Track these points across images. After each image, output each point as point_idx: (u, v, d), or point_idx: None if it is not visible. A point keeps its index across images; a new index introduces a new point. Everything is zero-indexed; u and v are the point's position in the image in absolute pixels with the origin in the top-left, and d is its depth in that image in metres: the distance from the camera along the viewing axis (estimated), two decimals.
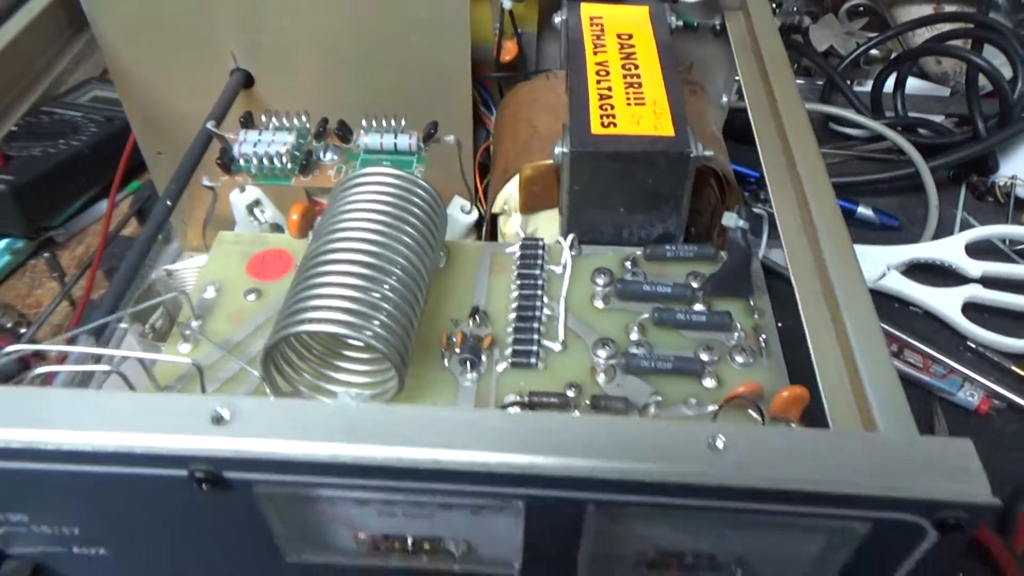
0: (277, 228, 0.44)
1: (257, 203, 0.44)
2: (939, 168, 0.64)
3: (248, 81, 0.48)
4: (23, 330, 0.56)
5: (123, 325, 0.40)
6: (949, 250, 0.58)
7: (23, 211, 0.60)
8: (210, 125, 0.41)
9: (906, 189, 0.67)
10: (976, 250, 0.58)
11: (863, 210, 0.64)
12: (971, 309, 0.56)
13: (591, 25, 0.46)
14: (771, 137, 0.40)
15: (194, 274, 0.42)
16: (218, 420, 0.22)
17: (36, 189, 0.60)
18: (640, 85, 0.41)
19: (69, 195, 0.64)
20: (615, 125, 0.39)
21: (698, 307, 0.37)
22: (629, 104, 0.40)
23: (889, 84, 0.72)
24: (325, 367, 0.33)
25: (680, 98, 0.40)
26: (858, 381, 0.26)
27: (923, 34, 0.74)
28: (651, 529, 0.25)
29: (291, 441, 0.22)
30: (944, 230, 0.62)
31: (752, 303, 0.37)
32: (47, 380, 0.30)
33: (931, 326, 0.57)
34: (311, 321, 0.30)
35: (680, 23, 0.48)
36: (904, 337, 0.54)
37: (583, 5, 0.48)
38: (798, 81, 0.77)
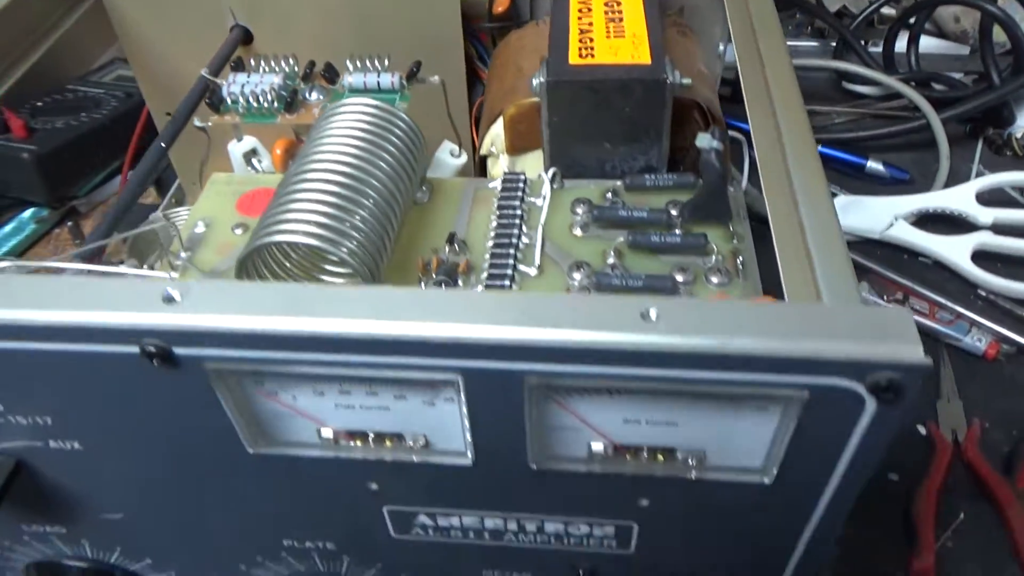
0: None
1: (254, 152, 0.45)
2: (951, 119, 0.63)
3: (247, 38, 0.49)
4: None
5: (123, 266, 0.41)
6: (959, 199, 0.57)
7: (46, 180, 0.63)
8: (204, 72, 0.42)
9: (920, 145, 0.65)
10: (988, 199, 0.57)
11: (873, 164, 0.63)
12: (981, 257, 0.55)
13: None
14: (758, 86, 0.39)
15: None
16: (169, 300, 0.23)
17: (58, 159, 0.63)
18: (621, 20, 0.41)
19: (91, 166, 0.67)
20: (593, 56, 0.39)
21: (676, 231, 0.37)
22: (609, 37, 0.40)
23: (902, 45, 0.71)
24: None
25: (660, 30, 0.40)
26: (811, 263, 0.26)
27: None
28: (600, 416, 0.25)
29: (236, 316, 0.23)
30: (958, 183, 0.61)
31: (732, 228, 0.37)
32: None
33: (941, 275, 0.56)
34: (282, 232, 0.31)
35: None
36: (908, 284, 0.53)
37: None
38: (811, 43, 0.77)
